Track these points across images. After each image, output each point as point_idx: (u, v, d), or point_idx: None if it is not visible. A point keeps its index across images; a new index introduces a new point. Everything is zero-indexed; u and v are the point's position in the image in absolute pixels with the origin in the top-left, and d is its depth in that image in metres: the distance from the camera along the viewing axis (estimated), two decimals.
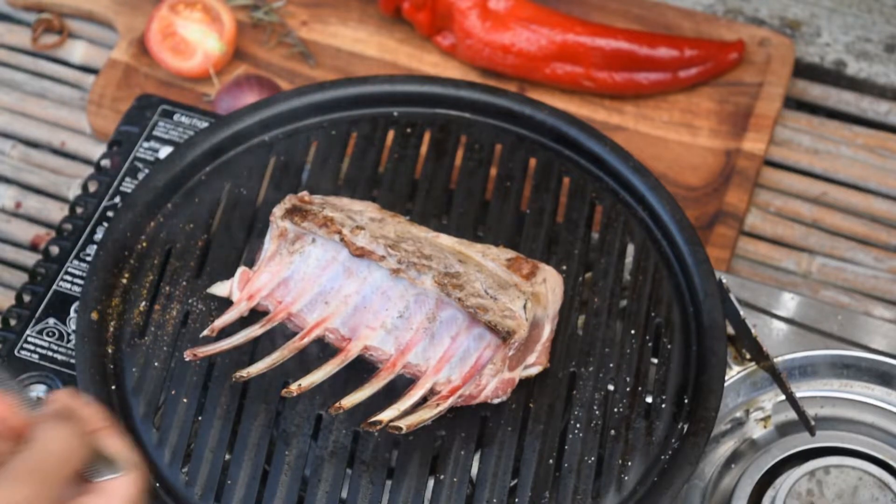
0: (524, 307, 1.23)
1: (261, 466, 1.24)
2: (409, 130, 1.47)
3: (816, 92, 1.77)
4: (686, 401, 1.28)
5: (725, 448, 1.36)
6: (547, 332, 1.28)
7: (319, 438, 1.26)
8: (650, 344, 1.32)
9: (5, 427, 0.95)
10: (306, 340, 1.25)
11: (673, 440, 1.26)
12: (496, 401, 1.25)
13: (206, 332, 1.28)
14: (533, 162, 1.45)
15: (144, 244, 1.38)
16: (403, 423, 1.17)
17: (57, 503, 0.90)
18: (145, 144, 1.51)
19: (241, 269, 1.32)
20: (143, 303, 1.34)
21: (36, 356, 1.35)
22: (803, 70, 1.79)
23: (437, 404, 1.20)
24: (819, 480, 1.30)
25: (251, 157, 1.44)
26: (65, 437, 0.93)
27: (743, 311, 1.33)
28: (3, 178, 1.71)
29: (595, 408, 1.28)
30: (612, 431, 1.26)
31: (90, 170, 1.63)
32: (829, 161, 1.70)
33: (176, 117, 1.53)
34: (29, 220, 1.67)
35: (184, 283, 1.35)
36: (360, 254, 1.26)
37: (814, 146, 1.71)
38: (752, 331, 1.32)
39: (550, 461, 1.25)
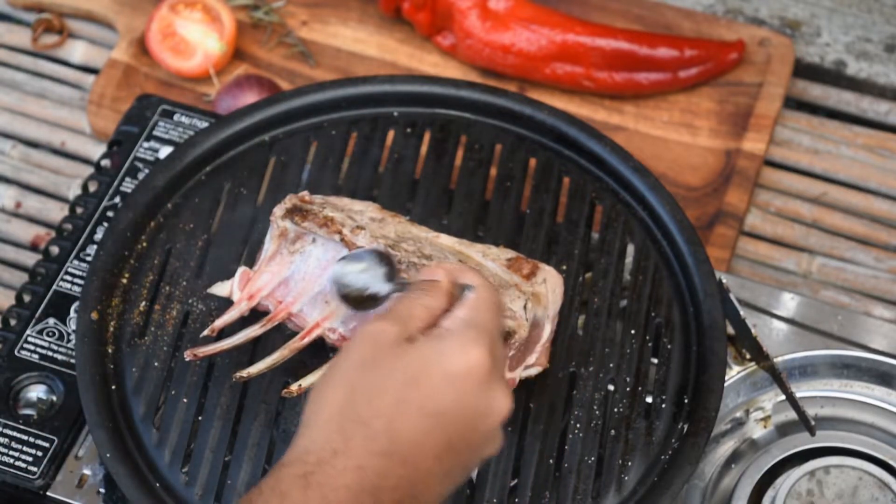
0: (524, 307, 1.23)
1: (261, 466, 1.24)
2: (409, 130, 1.47)
3: (816, 92, 1.77)
4: (686, 401, 1.28)
5: (725, 448, 1.36)
6: (547, 332, 1.28)
7: None
8: (650, 344, 1.32)
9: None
10: (307, 340, 1.25)
11: (673, 440, 1.26)
12: None
13: (206, 332, 1.28)
14: (533, 162, 1.45)
15: (144, 244, 1.38)
16: None
17: (403, 333, 1.05)
18: (145, 144, 1.51)
19: (241, 269, 1.32)
20: (143, 303, 1.34)
21: (36, 356, 1.35)
22: (803, 70, 1.79)
23: None
24: (819, 480, 1.30)
25: (251, 157, 1.44)
26: (414, 296, 1.09)
27: (743, 311, 1.33)
28: (3, 178, 1.71)
29: (595, 408, 1.28)
30: (612, 431, 1.26)
31: (90, 170, 1.63)
32: (829, 161, 1.70)
33: (176, 117, 1.53)
34: (29, 220, 1.67)
35: (184, 283, 1.35)
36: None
37: (814, 146, 1.71)
38: (752, 331, 1.32)
39: (550, 461, 1.25)
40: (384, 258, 1.15)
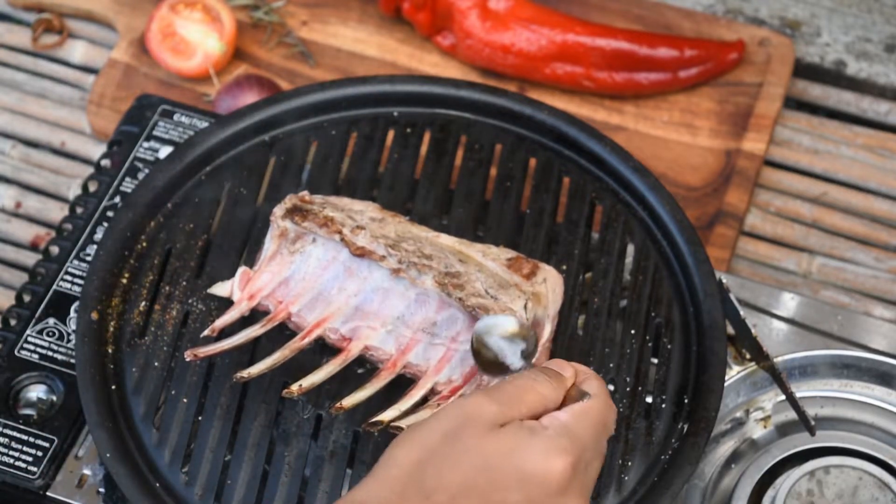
0: (525, 307, 1.23)
1: (261, 466, 1.24)
2: (409, 130, 1.47)
3: (816, 92, 1.77)
4: (686, 401, 1.28)
5: (725, 448, 1.36)
6: (547, 332, 1.28)
7: (319, 438, 1.26)
8: (650, 344, 1.32)
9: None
10: (307, 340, 1.25)
11: (673, 440, 1.26)
12: None
13: (206, 332, 1.28)
14: (533, 162, 1.45)
15: (144, 244, 1.38)
16: (404, 423, 1.17)
17: (500, 417, 1.01)
18: (145, 144, 1.51)
19: (241, 269, 1.32)
20: (143, 303, 1.34)
21: (36, 356, 1.35)
22: (803, 70, 1.79)
23: (438, 404, 1.20)
24: (819, 480, 1.30)
25: (251, 157, 1.44)
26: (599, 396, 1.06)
27: (743, 311, 1.33)
28: (3, 178, 1.71)
29: None
30: None
31: (90, 170, 1.63)
32: (829, 161, 1.70)
33: (176, 117, 1.53)
34: (29, 220, 1.67)
35: (184, 283, 1.35)
36: (361, 253, 1.26)
37: (814, 146, 1.71)
38: (752, 331, 1.32)
39: None
40: (531, 336, 1.14)
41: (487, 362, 1.13)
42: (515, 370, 1.11)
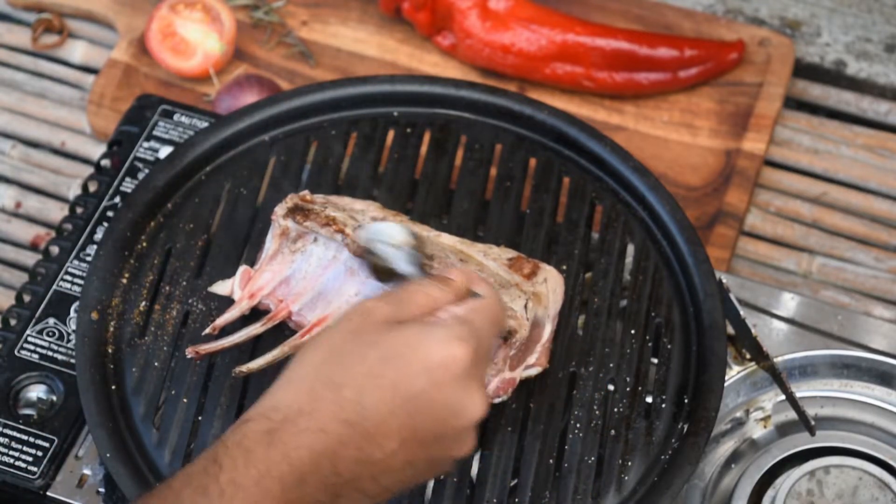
0: (525, 307, 1.23)
1: None
2: (409, 130, 1.47)
3: (816, 92, 1.77)
4: (686, 401, 1.28)
5: (725, 448, 1.36)
6: (547, 332, 1.28)
7: None
8: (650, 344, 1.32)
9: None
10: (307, 338, 1.25)
11: (673, 440, 1.26)
12: (497, 400, 1.25)
13: (207, 331, 1.28)
14: (533, 162, 1.45)
15: (144, 244, 1.38)
16: None
17: (395, 315, 1.06)
18: (145, 144, 1.51)
19: (242, 268, 1.32)
20: (143, 303, 1.34)
21: (36, 356, 1.35)
22: (803, 70, 1.79)
23: None
24: (819, 480, 1.30)
25: (251, 157, 1.44)
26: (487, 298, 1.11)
27: (743, 311, 1.33)
28: (3, 178, 1.71)
29: (595, 408, 1.28)
30: (612, 431, 1.26)
31: (90, 170, 1.63)
32: (829, 161, 1.70)
33: (176, 117, 1.53)
34: (29, 220, 1.67)
35: (184, 283, 1.35)
36: (362, 253, 1.26)
37: (814, 146, 1.71)
38: (752, 331, 1.32)
39: (550, 461, 1.25)
40: (418, 242, 1.17)
41: (379, 269, 1.16)
42: (408, 277, 1.13)
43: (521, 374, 1.26)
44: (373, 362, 1.02)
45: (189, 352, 1.25)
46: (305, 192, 1.33)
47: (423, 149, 1.46)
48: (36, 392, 1.33)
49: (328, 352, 1.04)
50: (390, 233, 1.17)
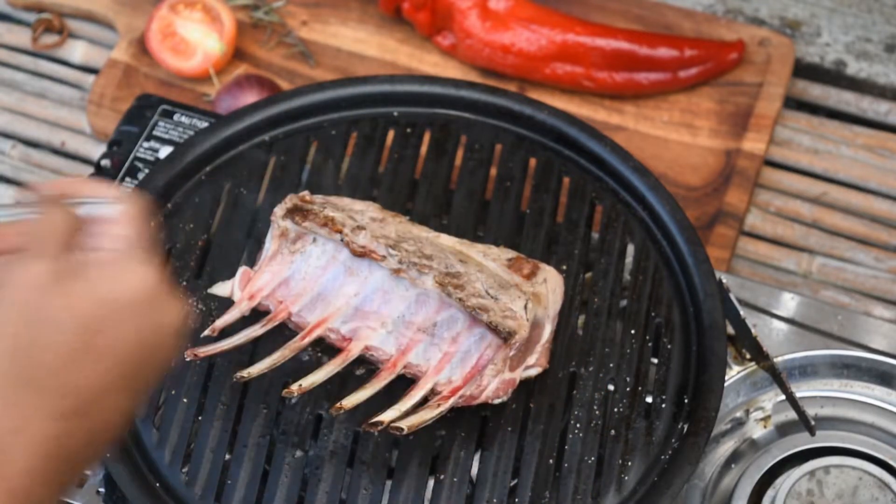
0: (525, 307, 1.23)
1: (261, 466, 1.24)
2: (409, 130, 1.47)
3: (816, 92, 1.77)
4: (686, 401, 1.28)
5: (725, 448, 1.36)
6: (547, 332, 1.28)
7: (319, 438, 1.26)
8: (650, 344, 1.32)
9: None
10: (307, 340, 1.25)
11: (673, 440, 1.26)
12: (497, 401, 1.25)
13: (207, 332, 1.28)
14: (533, 162, 1.45)
15: None
16: (405, 424, 1.17)
17: (65, 262, 0.89)
18: (145, 144, 1.51)
19: (242, 269, 1.32)
20: None
21: None
22: (803, 70, 1.79)
23: (438, 405, 1.20)
24: (819, 480, 1.30)
25: (251, 157, 1.44)
26: (52, 214, 0.92)
27: (743, 311, 1.33)
28: (3, 178, 1.71)
29: (595, 408, 1.28)
30: (612, 431, 1.26)
31: (90, 170, 1.63)
32: (829, 161, 1.70)
33: (176, 117, 1.53)
34: None
35: (184, 283, 1.35)
36: (361, 253, 1.26)
37: (814, 146, 1.71)
38: (752, 331, 1.32)
39: (550, 461, 1.25)
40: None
41: None
42: None
43: (520, 374, 1.26)
44: (71, 338, 0.87)
45: (188, 355, 1.24)
46: (305, 193, 1.33)
47: (423, 149, 1.46)
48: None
49: (11, 348, 0.87)
50: None
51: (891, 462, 1.32)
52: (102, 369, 0.88)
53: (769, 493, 1.31)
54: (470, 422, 1.26)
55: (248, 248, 1.38)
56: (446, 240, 1.30)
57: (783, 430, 1.37)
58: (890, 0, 1.84)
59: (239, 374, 1.23)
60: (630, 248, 1.39)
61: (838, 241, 1.64)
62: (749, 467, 1.33)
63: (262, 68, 1.75)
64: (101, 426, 0.90)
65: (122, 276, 0.91)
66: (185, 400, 1.28)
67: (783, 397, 1.34)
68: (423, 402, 1.21)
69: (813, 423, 1.30)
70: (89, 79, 1.78)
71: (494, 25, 1.71)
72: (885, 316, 1.56)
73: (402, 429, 1.17)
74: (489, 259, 1.28)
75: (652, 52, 1.71)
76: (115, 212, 0.94)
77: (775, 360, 1.33)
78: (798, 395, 1.32)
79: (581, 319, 1.34)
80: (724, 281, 1.34)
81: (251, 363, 1.25)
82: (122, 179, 1.47)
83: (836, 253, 1.63)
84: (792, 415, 1.34)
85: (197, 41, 1.72)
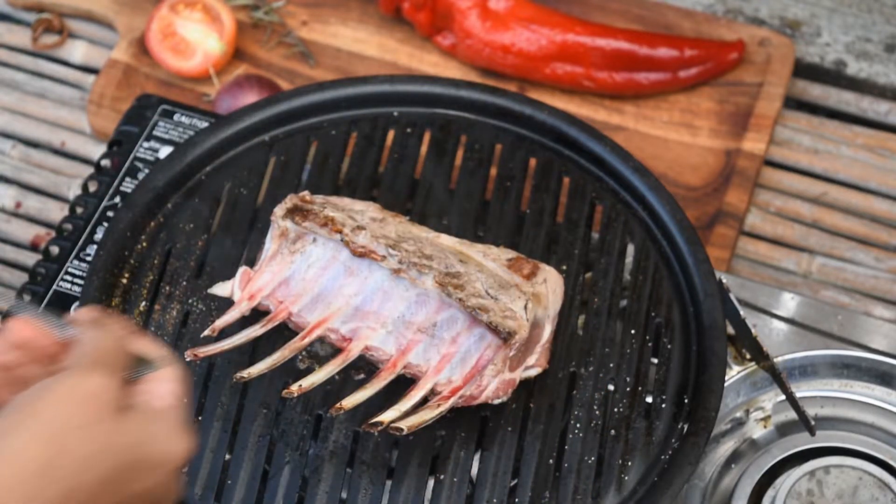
0: (525, 307, 1.23)
1: (261, 466, 1.24)
2: (409, 130, 1.47)
3: (816, 92, 1.77)
4: (686, 401, 1.28)
5: (725, 448, 1.36)
6: (547, 332, 1.28)
7: (319, 438, 1.26)
8: (650, 344, 1.32)
9: (36, 349, 0.96)
10: (307, 340, 1.25)
11: (673, 440, 1.26)
12: (497, 401, 1.25)
13: (206, 332, 1.28)
14: (533, 162, 1.45)
15: (144, 244, 1.38)
16: (404, 424, 1.17)
17: (121, 396, 0.92)
18: (145, 144, 1.51)
19: (242, 269, 1.32)
20: (143, 303, 1.34)
21: None
22: (803, 70, 1.79)
23: (438, 405, 1.20)
24: (819, 480, 1.30)
25: (251, 157, 1.44)
26: (107, 337, 0.95)
27: (743, 311, 1.33)
28: (3, 178, 1.71)
29: (595, 408, 1.28)
30: (612, 431, 1.26)
31: (90, 170, 1.63)
32: (829, 161, 1.70)
33: (176, 117, 1.53)
34: (29, 220, 1.67)
35: (184, 283, 1.35)
36: (361, 253, 1.26)
37: (814, 146, 1.71)
38: (752, 331, 1.32)
39: (550, 461, 1.25)
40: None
41: None
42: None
43: (520, 374, 1.26)
44: (108, 468, 0.89)
45: (188, 355, 1.24)
46: (305, 193, 1.33)
47: (423, 149, 1.46)
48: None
49: (55, 448, 0.87)
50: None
51: (891, 462, 1.32)
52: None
53: (769, 493, 1.31)
54: (470, 422, 1.26)
55: (248, 248, 1.38)
56: (446, 240, 1.30)
57: (783, 430, 1.37)
58: (890, 0, 1.84)
59: (238, 375, 1.23)
60: (630, 248, 1.39)
61: (838, 241, 1.64)
62: (749, 467, 1.33)
63: (262, 68, 1.75)
64: None
65: (165, 433, 0.94)
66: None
67: (783, 397, 1.34)
68: (423, 402, 1.21)
69: (813, 423, 1.30)
70: (89, 79, 1.78)
71: (494, 25, 1.71)
72: (885, 316, 1.56)
73: (402, 429, 1.17)
74: (489, 259, 1.28)
75: (652, 52, 1.71)
76: (165, 370, 0.98)
77: (775, 360, 1.33)
78: (798, 395, 1.32)
79: (581, 319, 1.34)
80: (724, 281, 1.34)
81: (251, 363, 1.25)
82: (122, 179, 1.47)
83: (836, 253, 1.63)
84: (792, 415, 1.34)
85: (197, 41, 1.72)
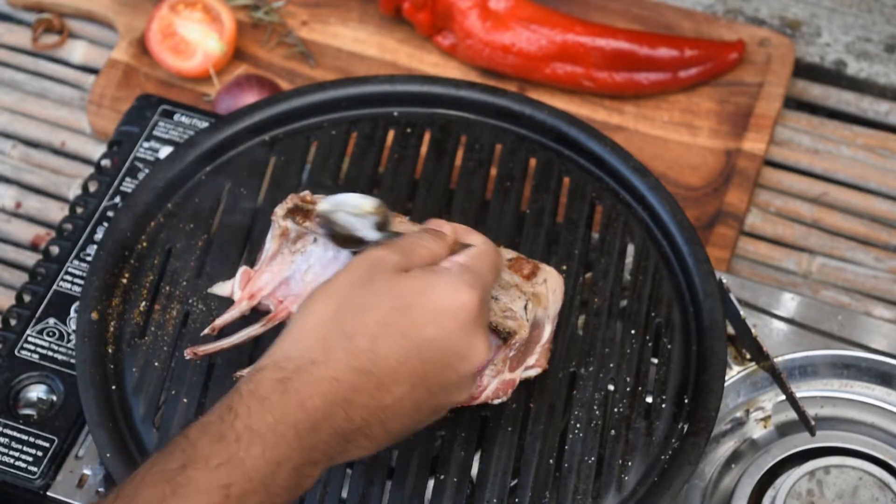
0: (525, 307, 1.23)
1: None
2: (409, 130, 1.47)
3: (816, 92, 1.77)
4: (686, 401, 1.28)
5: (725, 448, 1.36)
6: (547, 332, 1.28)
7: None
8: (650, 344, 1.32)
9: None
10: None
11: (673, 440, 1.26)
12: (497, 401, 1.25)
13: (206, 331, 1.28)
14: (533, 162, 1.45)
15: (144, 244, 1.38)
16: None
17: (403, 263, 1.10)
18: (145, 144, 1.51)
19: (242, 269, 1.32)
20: (143, 303, 1.34)
21: (36, 356, 1.35)
22: (803, 70, 1.79)
23: None
24: (819, 480, 1.30)
25: (251, 157, 1.44)
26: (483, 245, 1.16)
27: (743, 311, 1.33)
28: (3, 178, 1.71)
29: (595, 408, 1.28)
30: (612, 431, 1.26)
31: (90, 170, 1.63)
32: (829, 161, 1.70)
33: (176, 117, 1.53)
34: (29, 220, 1.67)
35: (184, 283, 1.35)
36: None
37: (814, 146, 1.71)
38: (752, 331, 1.32)
39: (550, 461, 1.25)
40: (382, 209, 1.19)
41: (342, 238, 1.19)
42: (374, 242, 1.16)
43: (520, 374, 1.26)
44: (384, 311, 1.05)
45: (188, 353, 1.24)
46: (306, 193, 1.33)
47: (423, 149, 1.46)
48: (36, 392, 1.33)
49: (338, 302, 1.06)
50: (353, 202, 1.20)
51: (891, 462, 1.32)
52: (402, 352, 1.04)
53: (769, 493, 1.31)
54: (470, 422, 1.26)
55: (248, 248, 1.38)
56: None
57: (783, 430, 1.37)
58: (890, 0, 1.84)
59: (238, 374, 1.23)
60: (630, 248, 1.39)
61: (838, 241, 1.64)
62: (749, 467, 1.33)
63: (262, 68, 1.75)
64: (382, 409, 1.04)
65: (445, 289, 1.07)
66: (185, 400, 1.28)
67: (783, 397, 1.34)
68: None
69: (813, 423, 1.30)
70: (89, 79, 1.78)
71: (494, 25, 1.72)
72: (885, 316, 1.56)
73: None
74: None
75: (652, 52, 1.71)
76: (470, 249, 1.14)
77: (775, 360, 1.33)
78: (798, 395, 1.32)
79: (581, 319, 1.34)
80: (724, 281, 1.34)
81: (251, 362, 1.25)
82: (122, 179, 1.47)
83: (836, 253, 1.63)
84: (792, 415, 1.34)
85: (197, 41, 1.72)
